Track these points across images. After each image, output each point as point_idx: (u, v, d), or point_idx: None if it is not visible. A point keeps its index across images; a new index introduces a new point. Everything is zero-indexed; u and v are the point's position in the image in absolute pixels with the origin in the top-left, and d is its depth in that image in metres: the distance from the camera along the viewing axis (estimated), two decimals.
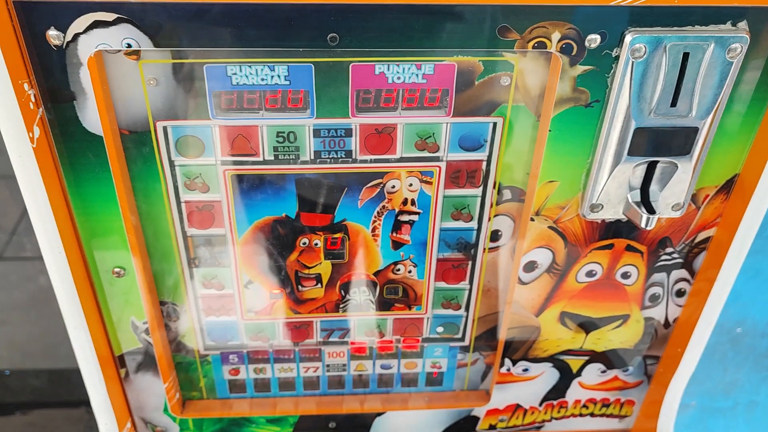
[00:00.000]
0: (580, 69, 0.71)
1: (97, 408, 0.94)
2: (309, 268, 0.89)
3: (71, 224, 0.78)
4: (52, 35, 0.65)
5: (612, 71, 0.71)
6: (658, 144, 0.74)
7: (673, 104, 0.71)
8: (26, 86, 0.67)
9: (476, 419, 1.07)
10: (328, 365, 1.01)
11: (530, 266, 0.87)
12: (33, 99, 0.68)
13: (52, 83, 0.68)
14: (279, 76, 0.72)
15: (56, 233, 0.76)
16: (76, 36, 0.65)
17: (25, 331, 2.47)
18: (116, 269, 0.84)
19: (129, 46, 0.67)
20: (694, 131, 0.73)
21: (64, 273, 0.79)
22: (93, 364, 0.89)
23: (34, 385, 2.39)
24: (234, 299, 0.91)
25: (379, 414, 1.05)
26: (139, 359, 0.94)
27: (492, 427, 1.08)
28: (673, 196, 0.80)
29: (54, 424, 2.29)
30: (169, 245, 0.85)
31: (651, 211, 0.77)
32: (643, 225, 0.77)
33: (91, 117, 0.71)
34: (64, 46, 0.66)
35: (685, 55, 0.68)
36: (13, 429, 2.28)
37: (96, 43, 0.66)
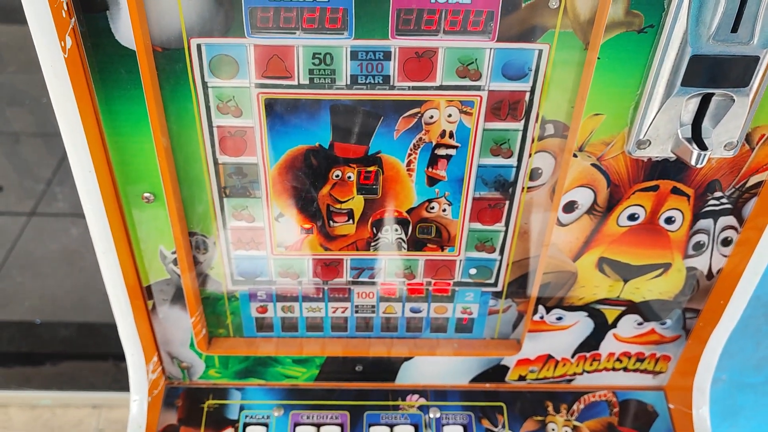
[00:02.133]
0: None
1: (125, 338, 0.94)
2: (341, 202, 0.87)
3: (102, 143, 0.77)
4: None
5: None
6: (715, 74, 0.70)
7: (734, 30, 0.67)
8: None
9: (506, 369, 1.04)
10: (357, 306, 1.00)
11: (570, 206, 0.84)
12: (65, 7, 0.66)
13: None
14: None
15: (87, 151, 0.75)
16: None
17: (56, 284, 2.51)
18: (146, 194, 0.82)
19: None
20: (755, 60, 0.69)
21: (94, 194, 0.78)
22: (121, 291, 0.88)
23: (64, 336, 2.44)
24: (264, 233, 0.90)
25: (407, 359, 1.04)
26: (167, 291, 0.93)
27: (522, 377, 1.06)
28: (726, 133, 0.76)
29: (82, 374, 2.33)
30: (200, 172, 0.83)
31: (703, 147, 0.74)
32: (693, 162, 0.73)
33: (124, 29, 0.70)
34: None
35: None
36: (43, 378, 2.33)
37: None
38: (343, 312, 1.00)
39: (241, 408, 1.04)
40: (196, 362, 1.03)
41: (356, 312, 1.00)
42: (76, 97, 0.71)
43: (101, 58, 0.71)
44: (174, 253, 0.88)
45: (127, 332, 0.93)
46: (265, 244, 0.91)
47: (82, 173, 0.76)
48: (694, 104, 0.74)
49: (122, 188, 0.82)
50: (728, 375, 1.74)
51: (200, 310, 0.97)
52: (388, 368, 1.05)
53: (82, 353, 2.37)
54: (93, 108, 0.74)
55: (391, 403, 1.05)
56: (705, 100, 0.73)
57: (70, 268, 2.52)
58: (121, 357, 0.96)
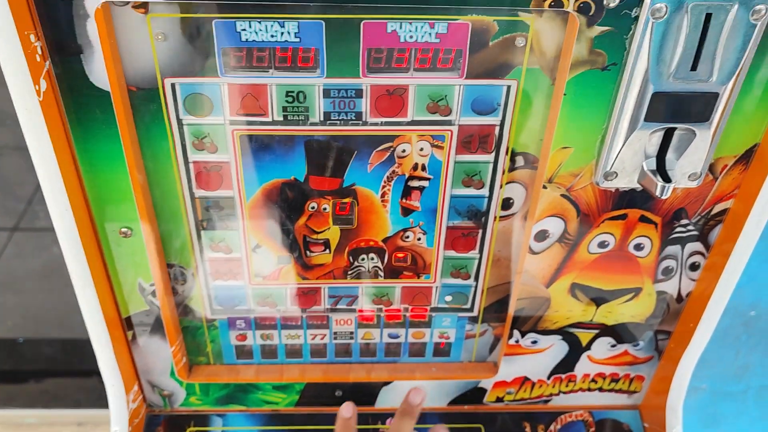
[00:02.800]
0: (597, 30, 0.69)
1: (105, 370, 0.94)
2: (317, 233, 0.88)
3: (78, 182, 0.78)
4: None
5: (631, 32, 0.69)
6: (677, 109, 0.72)
7: (694, 68, 0.69)
8: (32, 37, 0.66)
9: (483, 391, 1.06)
10: (335, 333, 1.01)
11: (541, 235, 0.86)
12: (39, 51, 0.67)
13: (58, 35, 0.67)
14: (289, 33, 0.71)
15: (63, 191, 0.75)
16: None
17: (39, 301, 2.50)
18: (123, 229, 0.83)
19: None
20: (714, 97, 0.71)
21: (71, 231, 0.79)
22: (100, 325, 0.89)
23: (48, 354, 2.43)
24: (242, 263, 0.91)
25: (386, 383, 1.05)
26: (146, 322, 0.94)
27: (499, 399, 1.07)
28: (690, 165, 0.78)
29: (66, 392, 2.33)
30: (176, 206, 0.84)
31: (667, 179, 0.76)
32: (658, 194, 0.75)
33: (99, 71, 0.70)
34: None
35: (708, 16, 0.66)
36: (27, 396, 2.32)
37: None
38: (321, 339, 1.02)
39: None
40: (177, 390, 1.04)
41: (335, 338, 1.02)
42: (52, 139, 0.71)
43: (76, 100, 0.72)
44: (152, 285, 0.89)
45: (107, 364, 0.93)
46: (242, 275, 0.92)
47: (59, 211, 0.77)
48: (657, 138, 0.76)
49: (99, 224, 0.83)
50: (709, 384, 1.76)
51: (180, 339, 0.98)
52: (367, 392, 1.06)
53: (66, 370, 2.36)
54: (69, 147, 0.75)
55: (371, 426, 1.06)
56: (668, 134, 0.75)
57: (52, 284, 2.51)
58: None
